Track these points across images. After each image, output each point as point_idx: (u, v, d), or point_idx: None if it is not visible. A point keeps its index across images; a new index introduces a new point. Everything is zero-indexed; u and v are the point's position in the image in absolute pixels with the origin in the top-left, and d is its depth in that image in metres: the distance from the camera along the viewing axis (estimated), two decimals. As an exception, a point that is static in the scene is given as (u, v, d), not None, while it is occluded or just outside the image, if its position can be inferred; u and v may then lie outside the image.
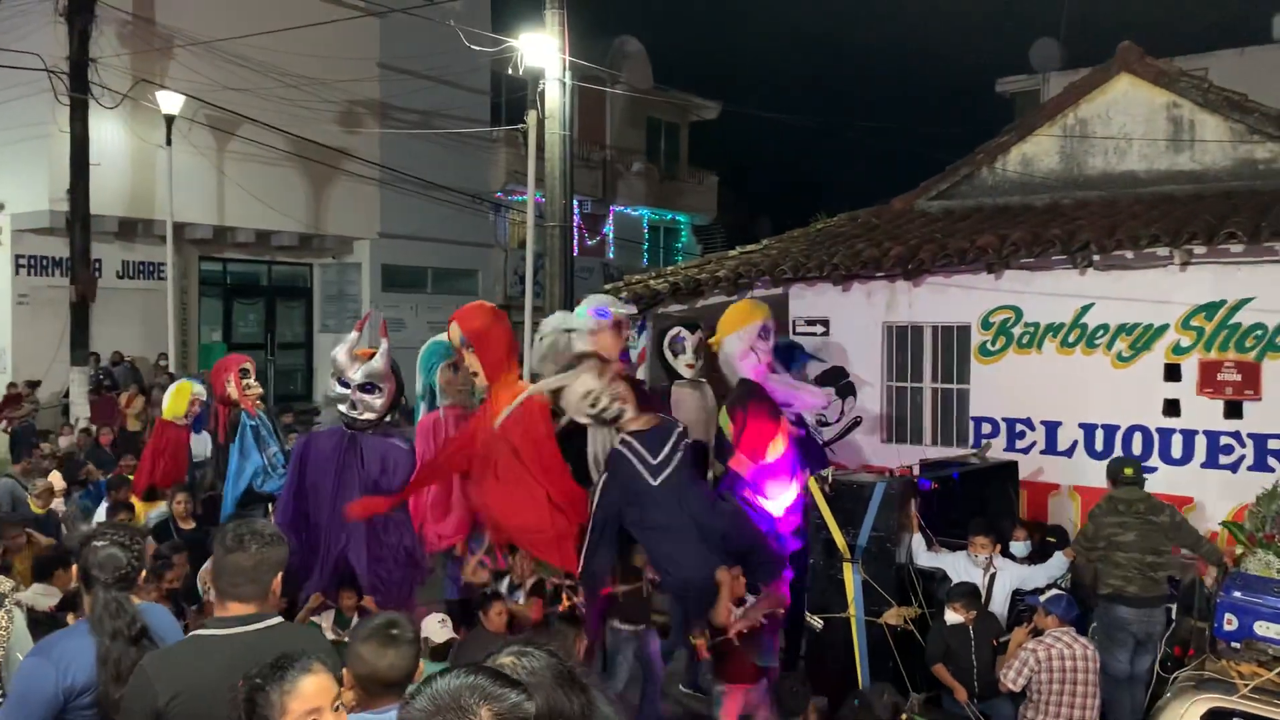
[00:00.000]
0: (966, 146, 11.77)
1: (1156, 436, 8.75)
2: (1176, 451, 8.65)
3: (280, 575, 3.17)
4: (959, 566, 7.14)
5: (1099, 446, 8.98)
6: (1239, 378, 8.38)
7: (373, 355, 6.61)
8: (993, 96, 24.45)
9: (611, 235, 25.63)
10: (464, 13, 17.33)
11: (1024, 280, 9.34)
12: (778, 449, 7.43)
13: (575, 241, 15.06)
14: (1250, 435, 8.36)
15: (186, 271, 18.79)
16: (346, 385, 6.45)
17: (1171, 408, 8.71)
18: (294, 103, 17.36)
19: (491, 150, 22.08)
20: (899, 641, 6.88)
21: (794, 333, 10.77)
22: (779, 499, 7.41)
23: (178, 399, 8.56)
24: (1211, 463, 8.49)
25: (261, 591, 3.09)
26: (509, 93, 21.12)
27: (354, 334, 6.78)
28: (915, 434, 10.11)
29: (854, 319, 10.31)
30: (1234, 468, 8.40)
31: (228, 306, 20.58)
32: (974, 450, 9.20)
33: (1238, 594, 5.47)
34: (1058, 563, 7.25)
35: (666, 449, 6.45)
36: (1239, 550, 6.55)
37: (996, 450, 9.28)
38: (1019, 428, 9.40)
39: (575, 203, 15.65)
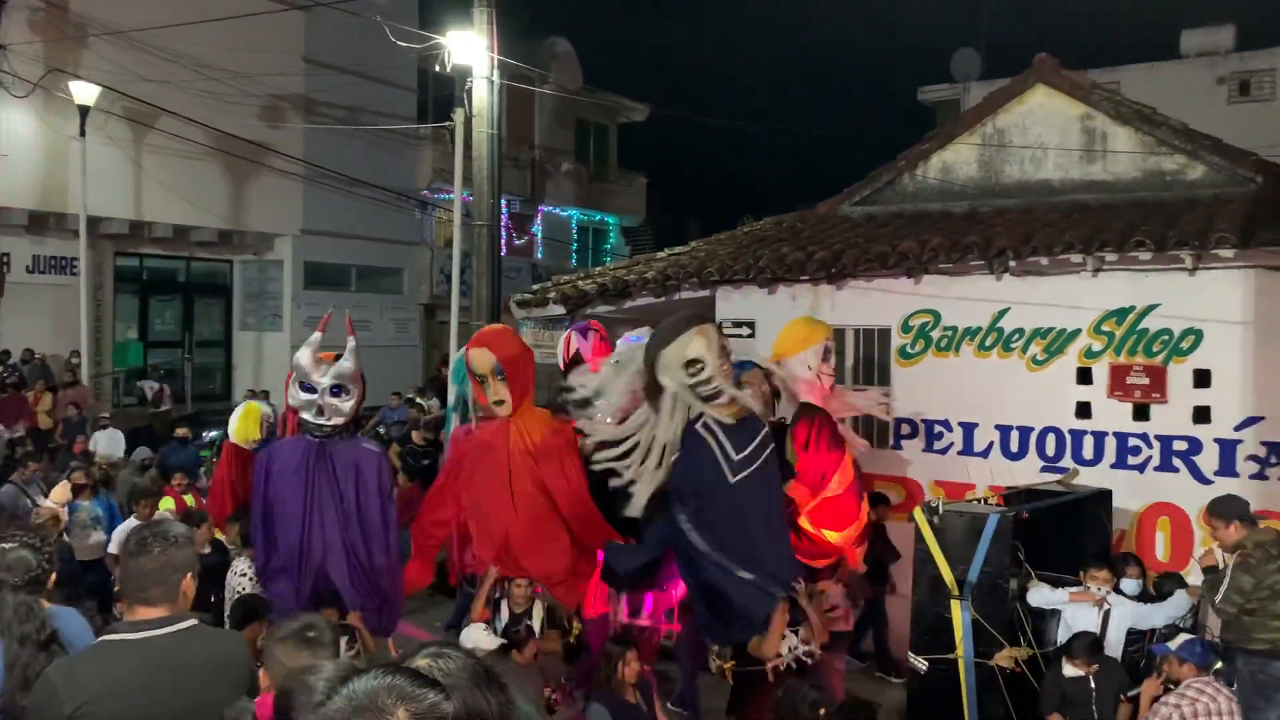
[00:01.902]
0: (890, 153, 12.00)
1: (1069, 438, 9.01)
2: (1088, 452, 8.92)
3: (190, 576, 3.10)
4: (1072, 605, 6.75)
5: (1014, 448, 9.22)
6: (1147, 381, 8.68)
7: (336, 357, 6.29)
8: (915, 105, 25.01)
9: (540, 235, 25.57)
10: (391, 9, 17.13)
11: (943, 285, 9.54)
12: (845, 479, 7.13)
13: (503, 241, 15.01)
14: (1157, 437, 8.66)
15: (101, 267, 18.26)
16: (312, 390, 6.11)
17: (1083, 410, 8.97)
18: (215, 96, 16.99)
19: (417, 148, 21.88)
20: (1009, 684, 6.49)
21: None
22: (844, 530, 7.11)
23: (247, 421, 8.21)
24: (1121, 463, 8.77)
25: (170, 594, 3.02)
26: (436, 90, 20.96)
27: (317, 334, 6.40)
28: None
29: (779, 321, 10.35)
30: (1141, 468, 8.69)
31: (144, 303, 20.08)
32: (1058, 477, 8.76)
33: None
34: (1178, 602, 6.80)
35: (752, 447, 6.12)
36: None
37: (915, 454, 9.48)
38: (937, 429, 9.60)
39: (503, 202, 15.58)
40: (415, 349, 22.48)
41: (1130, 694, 6.30)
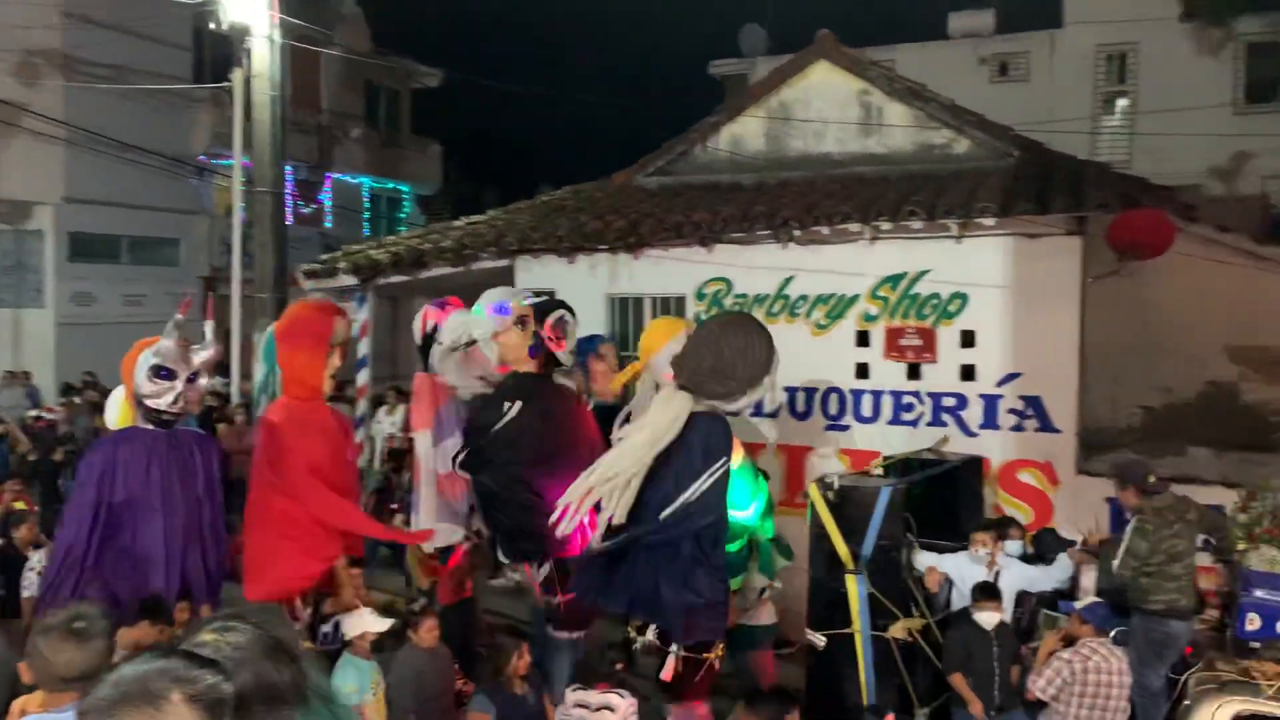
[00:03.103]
0: (684, 125, 12.22)
1: (850, 397, 9.52)
2: (867, 410, 9.46)
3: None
4: (962, 567, 6.84)
5: (800, 407, 9.66)
6: (919, 342, 9.27)
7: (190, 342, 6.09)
8: (707, 78, 25.52)
9: (329, 204, 24.58)
10: (159, -40, 15.99)
11: (733, 254, 9.85)
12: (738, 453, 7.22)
13: (289, 209, 14.38)
14: (928, 394, 9.28)
15: None
16: (171, 376, 5.81)
17: (862, 370, 9.50)
18: (-44, 49, 15.42)
19: (194, 110, 20.55)
20: (904, 655, 6.59)
21: (519, 304, 10.82)
22: (751, 505, 7.19)
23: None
24: (896, 419, 9.35)
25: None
26: (213, 48, 19.74)
27: (179, 317, 6.10)
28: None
29: (579, 290, 10.46)
30: (915, 423, 9.29)
31: (-122, 279, 18.10)
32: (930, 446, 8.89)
33: (1260, 593, 5.43)
34: (1063, 565, 7.05)
35: None
36: (1240, 545, 6.49)
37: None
38: (730, 393, 9.92)
39: (288, 168, 14.89)
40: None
41: (1031, 645, 6.52)
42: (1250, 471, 9.12)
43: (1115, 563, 6.64)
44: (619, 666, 5.41)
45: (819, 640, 6.72)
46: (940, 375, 9.21)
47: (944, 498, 7.73)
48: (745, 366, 5.79)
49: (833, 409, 9.55)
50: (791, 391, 9.66)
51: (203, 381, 6.06)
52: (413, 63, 26.39)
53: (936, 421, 9.19)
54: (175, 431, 5.95)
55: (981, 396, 9.09)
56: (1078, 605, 6.20)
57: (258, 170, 11.79)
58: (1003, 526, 7.55)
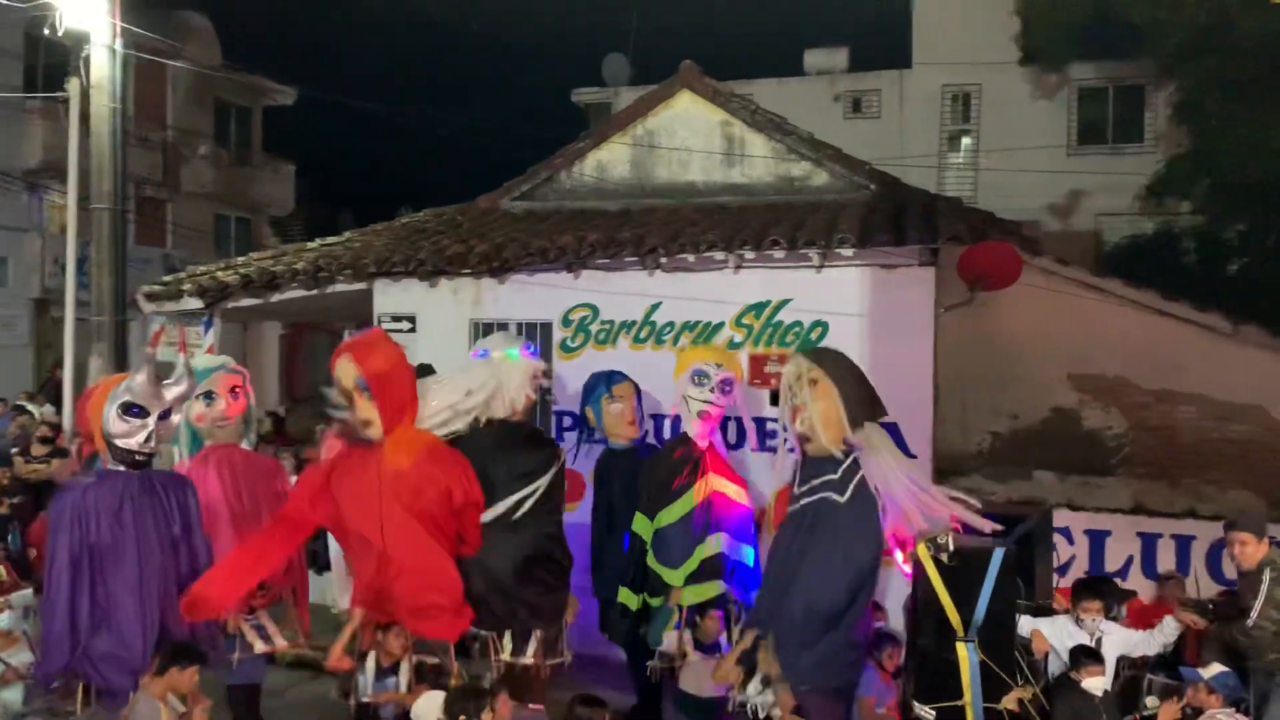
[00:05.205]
0: (547, 151, 12.15)
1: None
2: (732, 437, 9.49)
3: None
4: (1060, 631, 6.53)
5: (667, 434, 9.63)
6: (782, 369, 9.37)
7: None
8: (570, 105, 25.60)
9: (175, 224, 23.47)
10: (-12, -40, 14.99)
11: (600, 280, 9.80)
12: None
13: (130, 228, 13.63)
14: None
15: None
16: (143, 414, 5.45)
17: (728, 398, 9.54)
18: None
19: (25, 121, 19.36)
20: None
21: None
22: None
23: None
24: (761, 446, 9.42)
25: None
26: (48, 57, 18.65)
27: (150, 350, 5.69)
28: (500, 429, 10.24)
29: (441, 315, 10.27)
30: (777, 450, 9.37)
31: None
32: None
33: None
34: (1170, 628, 6.62)
35: None
36: None
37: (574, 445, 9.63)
38: (596, 420, 9.84)
39: (132, 186, 14.13)
40: (24, 349, 19.93)
41: (1145, 715, 6.24)
42: (1090, 494, 9.61)
43: (1252, 617, 6.05)
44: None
45: (928, 714, 6.30)
46: (802, 402, 9.31)
47: (1027, 556, 7.13)
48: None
49: (699, 436, 9.54)
50: (659, 420, 9.64)
51: (175, 419, 5.76)
52: (265, 80, 25.57)
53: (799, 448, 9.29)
54: (148, 473, 5.63)
55: (841, 423, 9.22)
56: (1205, 674, 5.84)
57: (95, 186, 11.12)
58: (1101, 586, 7.13)
